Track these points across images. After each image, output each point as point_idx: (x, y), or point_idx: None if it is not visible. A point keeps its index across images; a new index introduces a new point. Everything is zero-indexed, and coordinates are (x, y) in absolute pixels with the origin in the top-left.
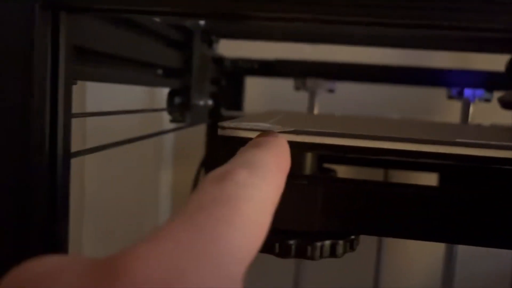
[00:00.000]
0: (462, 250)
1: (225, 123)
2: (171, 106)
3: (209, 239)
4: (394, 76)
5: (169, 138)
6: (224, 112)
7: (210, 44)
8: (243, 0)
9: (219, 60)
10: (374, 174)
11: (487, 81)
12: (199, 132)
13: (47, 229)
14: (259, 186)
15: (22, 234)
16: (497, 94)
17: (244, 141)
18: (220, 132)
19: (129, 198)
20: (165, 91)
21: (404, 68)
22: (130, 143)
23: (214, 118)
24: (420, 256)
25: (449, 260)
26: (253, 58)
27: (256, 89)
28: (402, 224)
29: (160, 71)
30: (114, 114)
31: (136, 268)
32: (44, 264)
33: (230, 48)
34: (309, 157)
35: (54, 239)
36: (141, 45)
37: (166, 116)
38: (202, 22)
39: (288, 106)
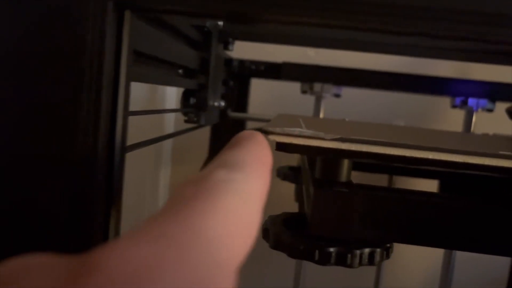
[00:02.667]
0: (460, 253)
1: (270, 129)
2: (186, 107)
3: (191, 231)
4: (400, 83)
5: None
6: (230, 113)
7: (226, 45)
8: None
9: (227, 61)
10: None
11: (491, 91)
12: (198, 132)
13: (106, 222)
14: (241, 180)
15: (84, 227)
16: (499, 105)
17: (295, 148)
18: (265, 136)
19: (128, 198)
20: (167, 89)
21: (409, 76)
22: (173, 137)
23: (221, 119)
24: (420, 257)
25: (448, 262)
26: (260, 60)
27: (260, 92)
28: (442, 234)
29: (181, 71)
30: (164, 113)
31: (111, 263)
32: (22, 262)
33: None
34: (347, 165)
35: (107, 231)
36: (172, 46)
37: (168, 115)
38: (220, 23)
39: (293, 110)
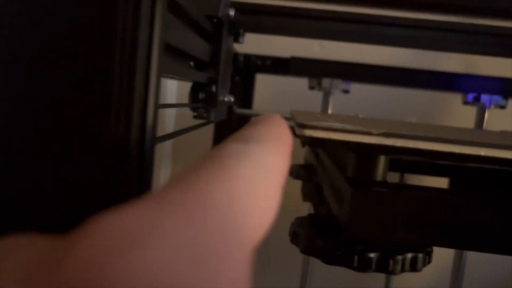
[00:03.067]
0: (471, 252)
1: (307, 122)
2: (194, 102)
3: (202, 197)
4: (411, 79)
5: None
6: (236, 110)
7: (236, 37)
8: None
9: (233, 56)
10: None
11: (505, 87)
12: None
13: None
14: (258, 152)
15: None
16: (511, 101)
17: (332, 143)
18: (299, 132)
19: None
20: (168, 83)
21: (421, 72)
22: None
23: (227, 116)
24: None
25: (459, 261)
26: (266, 55)
27: (264, 88)
28: (486, 237)
29: (192, 64)
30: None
31: (101, 229)
32: (10, 240)
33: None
34: (384, 162)
35: None
36: (190, 37)
37: (168, 111)
38: (232, 13)
39: (299, 106)
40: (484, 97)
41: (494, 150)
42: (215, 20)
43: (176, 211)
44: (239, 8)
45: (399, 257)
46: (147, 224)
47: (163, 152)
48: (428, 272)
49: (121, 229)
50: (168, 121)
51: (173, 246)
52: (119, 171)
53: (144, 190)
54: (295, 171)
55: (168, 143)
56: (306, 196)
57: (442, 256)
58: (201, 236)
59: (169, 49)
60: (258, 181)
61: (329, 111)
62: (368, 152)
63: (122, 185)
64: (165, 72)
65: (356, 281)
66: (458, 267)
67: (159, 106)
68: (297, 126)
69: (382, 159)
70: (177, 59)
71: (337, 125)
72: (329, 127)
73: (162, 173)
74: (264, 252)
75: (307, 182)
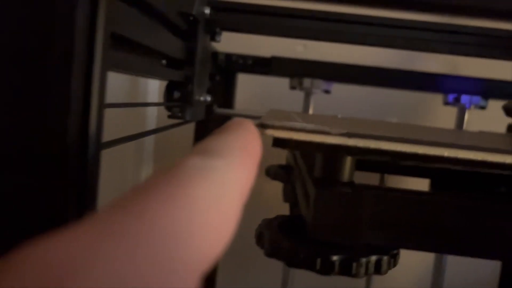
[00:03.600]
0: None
1: (268, 122)
2: (169, 101)
3: (145, 224)
4: (393, 80)
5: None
6: (216, 109)
7: (213, 36)
8: None
9: (213, 55)
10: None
11: (484, 88)
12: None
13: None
14: (219, 168)
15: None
16: (491, 102)
17: (295, 144)
18: (260, 131)
19: (107, 198)
20: (149, 83)
21: (402, 72)
22: (155, 133)
23: (206, 115)
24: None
25: (440, 261)
26: (247, 54)
27: (246, 87)
28: (453, 240)
29: (164, 62)
30: (145, 106)
31: (33, 257)
32: None
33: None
34: (350, 163)
35: None
36: (156, 33)
37: (150, 109)
38: (207, 11)
39: (281, 106)
40: (464, 98)
41: (458, 151)
42: (190, 18)
43: (118, 240)
44: (215, 6)
45: (363, 260)
46: (84, 254)
47: (145, 151)
48: (410, 269)
49: (55, 260)
50: (150, 121)
51: (113, 278)
52: (54, 184)
53: (86, 204)
54: (273, 172)
55: (150, 142)
56: (286, 197)
57: (424, 253)
58: (143, 267)
59: (124, 42)
60: (215, 201)
61: (310, 111)
62: (332, 153)
63: (58, 200)
64: (116, 66)
65: (337, 280)
66: (439, 265)
67: (105, 105)
68: (259, 126)
69: (348, 160)
70: (139, 55)
71: (297, 125)
72: (290, 127)
73: (143, 172)
74: (245, 255)
75: (287, 183)
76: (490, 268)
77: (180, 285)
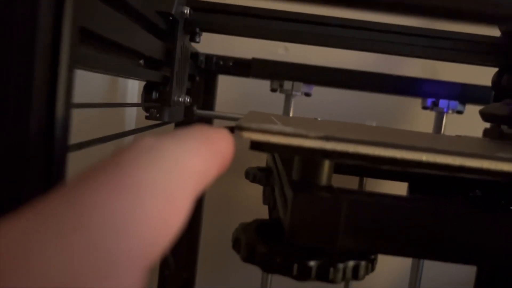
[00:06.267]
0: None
1: (244, 124)
2: (147, 101)
3: (82, 213)
4: (373, 83)
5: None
6: (196, 111)
7: (192, 36)
8: None
9: (193, 56)
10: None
11: (462, 93)
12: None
13: None
14: (172, 150)
15: None
16: (468, 107)
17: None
18: (237, 134)
19: None
20: (129, 84)
21: (382, 76)
22: (129, 135)
23: (186, 117)
24: (389, 260)
25: (416, 267)
26: (228, 56)
27: (227, 89)
28: (432, 245)
29: (141, 61)
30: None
31: None
32: None
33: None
34: (328, 166)
35: None
36: (132, 31)
37: (129, 110)
38: (187, 11)
39: (261, 109)
40: (442, 102)
41: (436, 155)
42: (170, 17)
43: (51, 233)
44: (195, 6)
45: (341, 265)
46: (13, 250)
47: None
48: (387, 273)
49: None
50: (129, 122)
51: (43, 273)
52: (14, 189)
53: None
54: (252, 174)
55: (129, 142)
56: (265, 199)
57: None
58: (77, 261)
59: (96, 39)
60: (162, 186)
61: (291, 114)
62: (310, 156)
63: (21, 205)
64: (85, 64)
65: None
66: (416, 268)
67: (73, 105)
68: (235, 128)
69: (326, 163)
70: (114, 53)
71: (275, 127)
72: (267, 130)
73: None
74: (223, 258)
75: (265, 186)
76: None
77: (122, 278)
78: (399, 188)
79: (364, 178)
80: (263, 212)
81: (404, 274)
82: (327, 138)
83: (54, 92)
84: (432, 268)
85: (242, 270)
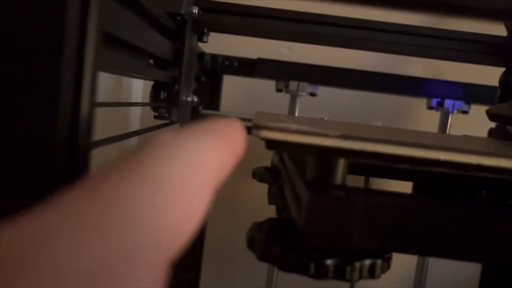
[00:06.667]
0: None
1: (262, 123)
2: (156, 101)
3: (102, 207)
4: (378, 83)
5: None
6: (202, 111)
7: (200, 36)
8: None
9: (199, 56)
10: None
11: (467, 93)
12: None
13: None
14: (188, 145)
15: None
16: (474, 107)
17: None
18: (255, 133)
19: None
20: (134, 83)
21: (387, 76)
22: (144, 133)
23: (191, 117)
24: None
25: (422, 264)
26: (233, 56)
27: (232, 89)
28: (447, 243)
29: (151, 61)
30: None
31: None
32: None
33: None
34: (343, 166)
35: None
36: (145, 32)
37: (133, 110)
38: (195, 11)
39: (266, 109)
40: (448, 102)
41: (453, 154)
42: (178, 18)
43: (75, 227)
44: (204, 6)
45: (357, 264)
46: (37, 243)
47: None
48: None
49: (8, 245)
50: (133, 122)
51: (65, 270)
52: (43, 186)
53: None
54: (259, 174)
55: (133, 144)
56: (271, 199)
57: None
58: (99, 256)
59: (115, 42)
60: (180, 181)
61: (296, 114)
62: (326, 155)
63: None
64: (107, 65)
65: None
66: (421, 266)
67: (95, 104)
68: (253, 127)
69: (341, 162)
70: (129, 54)
71: (293, 126)
72: (285, 129)
73: None
74: (229, 256)
75: (272, 185)
76: (470, 272)
77: (147, 268)
78: (402, 188)
79: (370, 178)
80: (268, 212)
81: (409, 274)
82: (345, 137)
83: (79, 92)
84: (437, 268)
85: (247, 270)
